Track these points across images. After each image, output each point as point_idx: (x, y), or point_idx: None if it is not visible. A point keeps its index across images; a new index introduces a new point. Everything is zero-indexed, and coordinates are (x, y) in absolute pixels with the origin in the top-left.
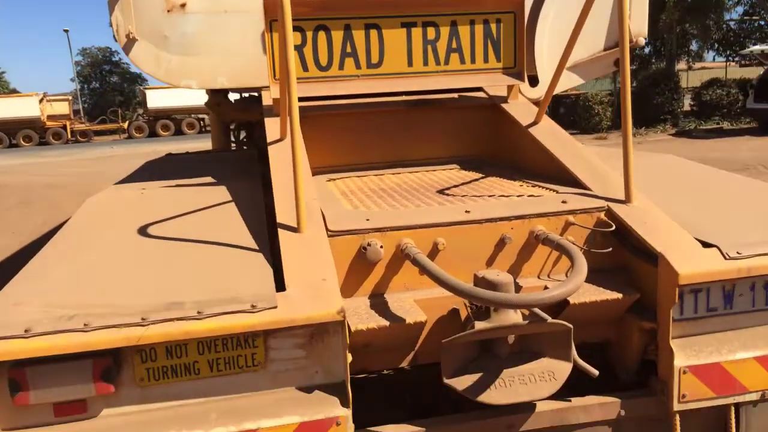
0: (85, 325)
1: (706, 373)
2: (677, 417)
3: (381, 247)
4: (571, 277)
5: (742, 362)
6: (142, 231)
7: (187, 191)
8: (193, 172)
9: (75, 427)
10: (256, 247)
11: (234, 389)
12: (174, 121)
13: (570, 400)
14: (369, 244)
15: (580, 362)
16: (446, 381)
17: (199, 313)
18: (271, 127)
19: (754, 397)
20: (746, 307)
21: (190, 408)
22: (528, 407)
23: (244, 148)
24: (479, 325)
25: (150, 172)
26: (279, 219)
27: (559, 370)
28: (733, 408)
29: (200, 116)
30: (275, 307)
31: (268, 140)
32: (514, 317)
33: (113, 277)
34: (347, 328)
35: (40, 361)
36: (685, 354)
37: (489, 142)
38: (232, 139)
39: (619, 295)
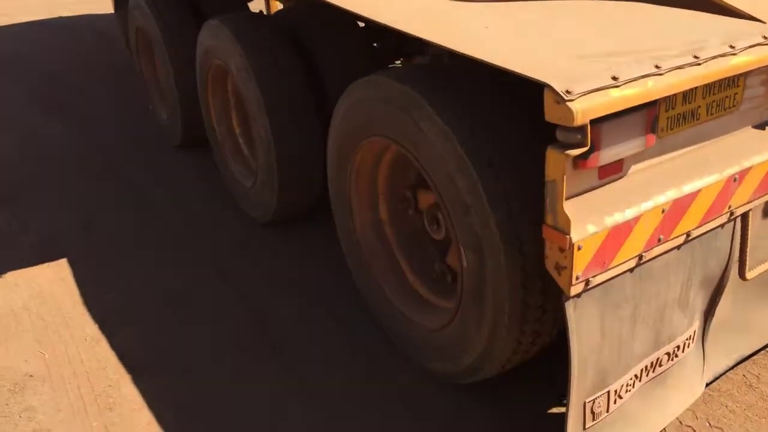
0: (656, 67)
1: None
2: None
3: None
4: None
5: None
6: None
7: None
8: None
9: (615, 188)
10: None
11: (717, 131)
12: None
13: None
14: None
15: None
16: None
17: (731, 47)
18: None
19: None
20: None
21: (692, 154)
22: None
23: None
24: None
25: None
26: None
27: None
28: None
29: None
30: None
31: None
32: None
33: (612, 27)
34: None
35: (606, 117)
36: None
37: None
38: None
39: None
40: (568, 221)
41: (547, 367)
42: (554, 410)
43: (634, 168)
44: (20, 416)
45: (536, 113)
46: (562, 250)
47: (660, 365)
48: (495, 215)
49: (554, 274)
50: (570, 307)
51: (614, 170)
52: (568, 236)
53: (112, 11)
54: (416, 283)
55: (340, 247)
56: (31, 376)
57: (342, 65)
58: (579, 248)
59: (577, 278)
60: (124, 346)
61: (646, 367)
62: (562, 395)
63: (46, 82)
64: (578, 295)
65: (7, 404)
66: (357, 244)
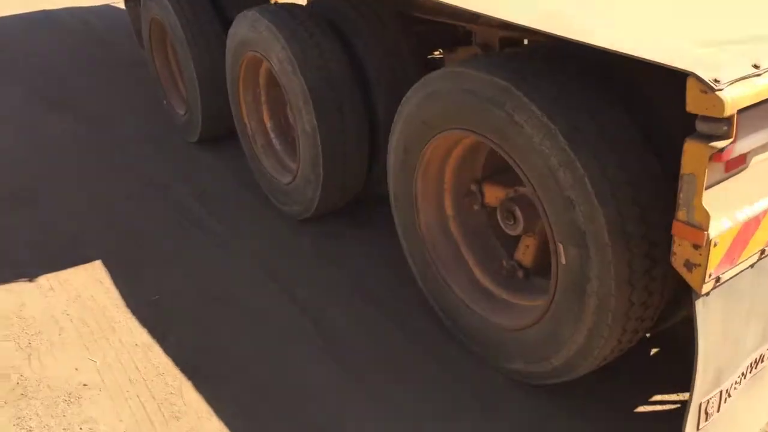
0: None
1: None
2: None
3: None
4: None
5: None
6: None
7: None
8: None
9: (739, 181)
10: None
11: None
12: None
13: None
14: None
15: None
16: None
17: None
18: None
19: None
20: None
21: None
22: None
23: None
24: None
25: None
26: None
27: None
28: None
29: None
30: None
31: None
32: None
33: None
34: None
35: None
36: None
37: None
38: None
39: None
40: (706, 216)
41: (631, 363)
42: (641, 409)
43: (754, 160)
44: (80, 428)
45: (635, 100)
46: (696, 246)
47: (762, 361)
48: (603, 210)
49: (683, 271)
50: (699, 306)
51: (739, 162)
52: (705, 232)
53: (95, 3)
54: (486, 280)
55: (387, 243)
56: (85, 385)
57: (384, 55)
58: (714, 244)
59: (709, 276)
60: (177, 351)
61: (751, 364)
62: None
63: (45, 78)
64: (707, 293)
65: (64, 415)
66: (421, 241)
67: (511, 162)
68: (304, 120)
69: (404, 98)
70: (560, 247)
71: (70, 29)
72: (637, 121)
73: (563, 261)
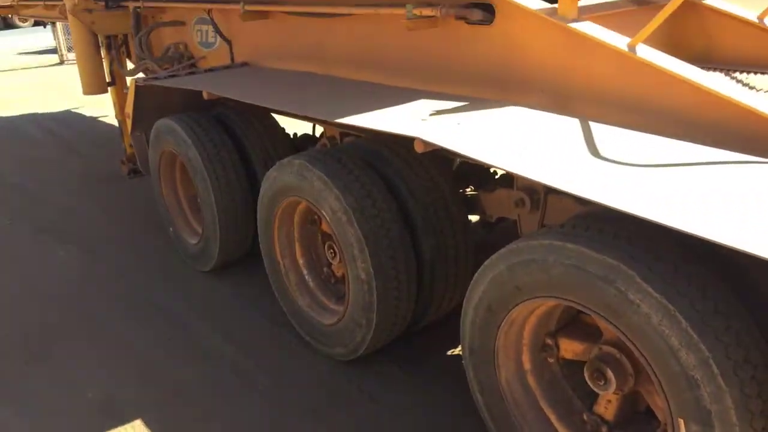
0: None
1: None
2: None
3: None
4: None
5: None
6: None
7: None
8: None
9: None
10: None
11: None
12: None
13: None
14: None
15: None
16: None
17: None
18: None
19: None
20: None
21: None
22: None
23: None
24: None
25: None
26: None
27: None
28: None
29: None
30: None
31: None
32: None
33: None
34: None
35: None
36: None
37: None
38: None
39: None
40: None
41: None
42: None
43: None
44: None
45: (740, 279)
46: None
47: None
48: (730, 390)
49: None
50: None
51: None
52: None
53: (53, 109)
54: None
55: (438, 383)
56: None
57: (427, 196)
58: None
59: None
60: None
61: None
62: None
63: (26, 198)
64: None
65: None
66: (502, 397)
67: (620, 335)
68: (358, 267)
69: (489, 261)
70: (681, 422)
71: (37, 140)
72: (742, 298)
73: None
